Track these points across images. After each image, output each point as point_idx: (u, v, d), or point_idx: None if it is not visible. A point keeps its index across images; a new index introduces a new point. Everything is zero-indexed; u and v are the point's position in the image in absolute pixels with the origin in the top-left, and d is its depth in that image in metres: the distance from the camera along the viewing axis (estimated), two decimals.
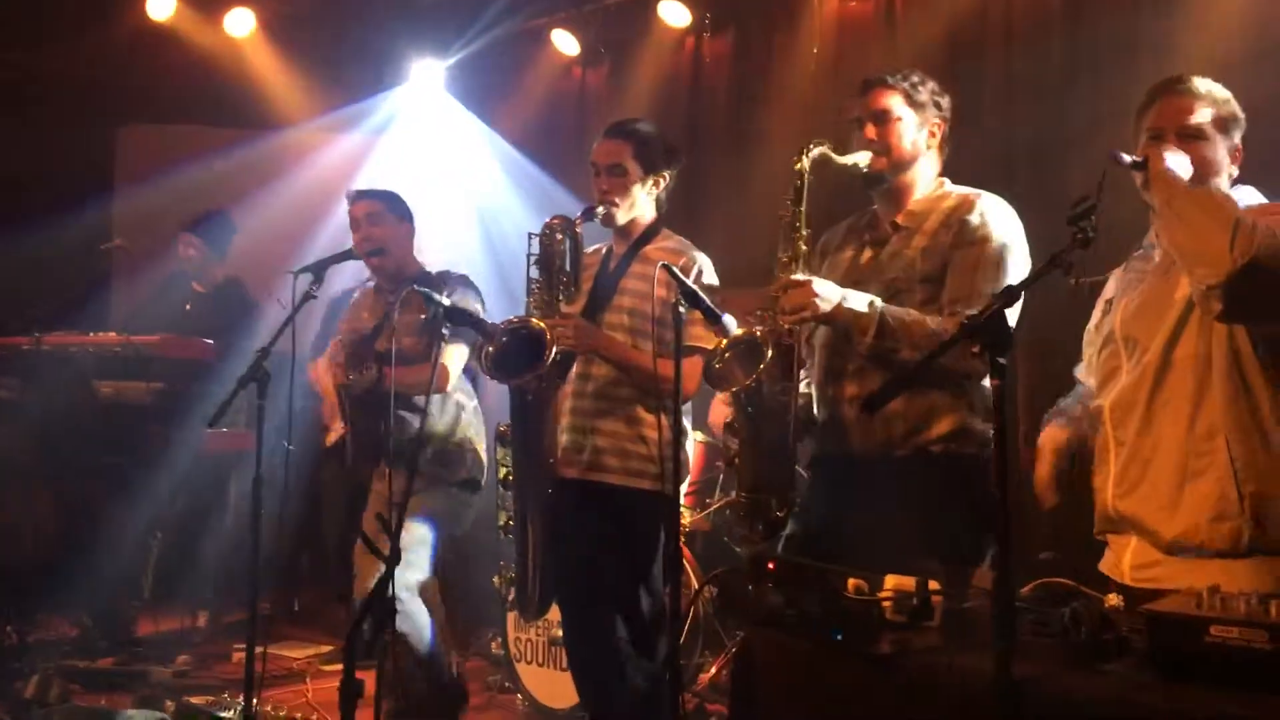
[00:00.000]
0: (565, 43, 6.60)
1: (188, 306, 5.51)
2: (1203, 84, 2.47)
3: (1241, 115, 2.50)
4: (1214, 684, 1.70)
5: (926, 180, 2.96)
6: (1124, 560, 2.44)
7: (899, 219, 2.92)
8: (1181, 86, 2.46)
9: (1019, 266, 2.79)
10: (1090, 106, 4.36)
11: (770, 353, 2.71)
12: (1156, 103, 2.48)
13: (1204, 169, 2.40)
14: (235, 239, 5.79)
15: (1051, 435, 2.61)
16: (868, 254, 2.96)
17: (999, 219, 2.82)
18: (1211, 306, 2.24)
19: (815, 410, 2.92)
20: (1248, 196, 2.48)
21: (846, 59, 5.41)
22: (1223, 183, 2.45)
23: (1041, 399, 4.52)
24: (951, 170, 4.59)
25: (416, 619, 3.86)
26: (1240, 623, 1.72)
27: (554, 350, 3.07)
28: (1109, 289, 2.66)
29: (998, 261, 2.77)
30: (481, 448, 3.99)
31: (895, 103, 2.89)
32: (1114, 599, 2.11)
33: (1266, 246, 2.13)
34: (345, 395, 3.71)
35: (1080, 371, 2.78)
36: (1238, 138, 2.49)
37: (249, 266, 5.70)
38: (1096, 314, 2.67)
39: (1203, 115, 2.44)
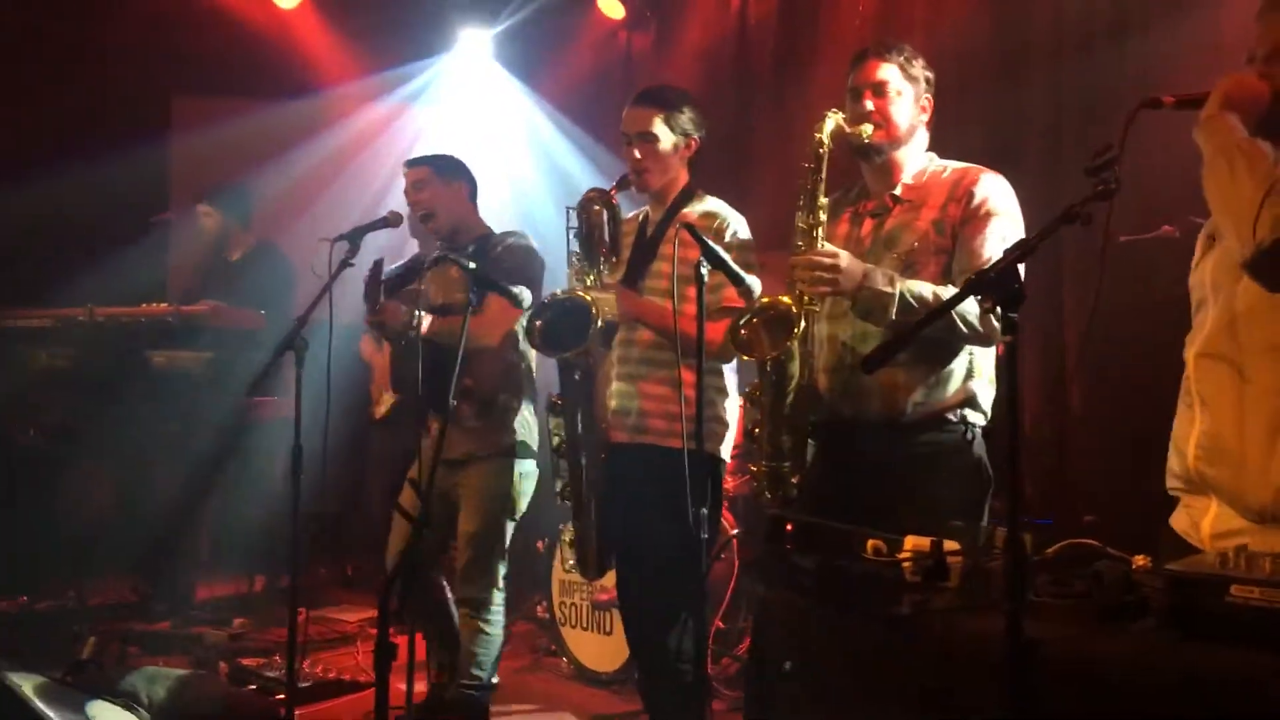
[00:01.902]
0: (611, 6, 6.56)
1: (222, 275, 5.56)
2: None
3: None
4: (1234, 644, 1.64)
5: (918, 154, 2.99)
6: (1203, 526, 2.20)
7: (899, 192, 2.94)
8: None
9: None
10: (1139, 60, 4.24)
11: (804, 324, 2.72)
12: (1260, 21, 2.21)
13: None
14: (286, 208, 5.86)
15: None
16: (867, 225, 2.97)
17: (1002, 195, 2.86)
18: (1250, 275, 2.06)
19: (825, 378, 2.91)
20: None
21: (892, 16, 5.31)
22: None
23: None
24: (997, 126, 4.51)
25: (491, 632, 3.87)
26: (1262, 582, 1.66)
27: (599, 323, 3.09)
28: (1206, 228, 2.34)
29: (1004, 236, 2.79)
30: (530, 411, 3.96)
31: (893, 75, 2.92)
32: (1141, 560, 2.06)
33: None
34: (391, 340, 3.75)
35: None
36: None
37: (298, 235, 5.75)
38: (1198, 253, 2.35)
39: None
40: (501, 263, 3.76)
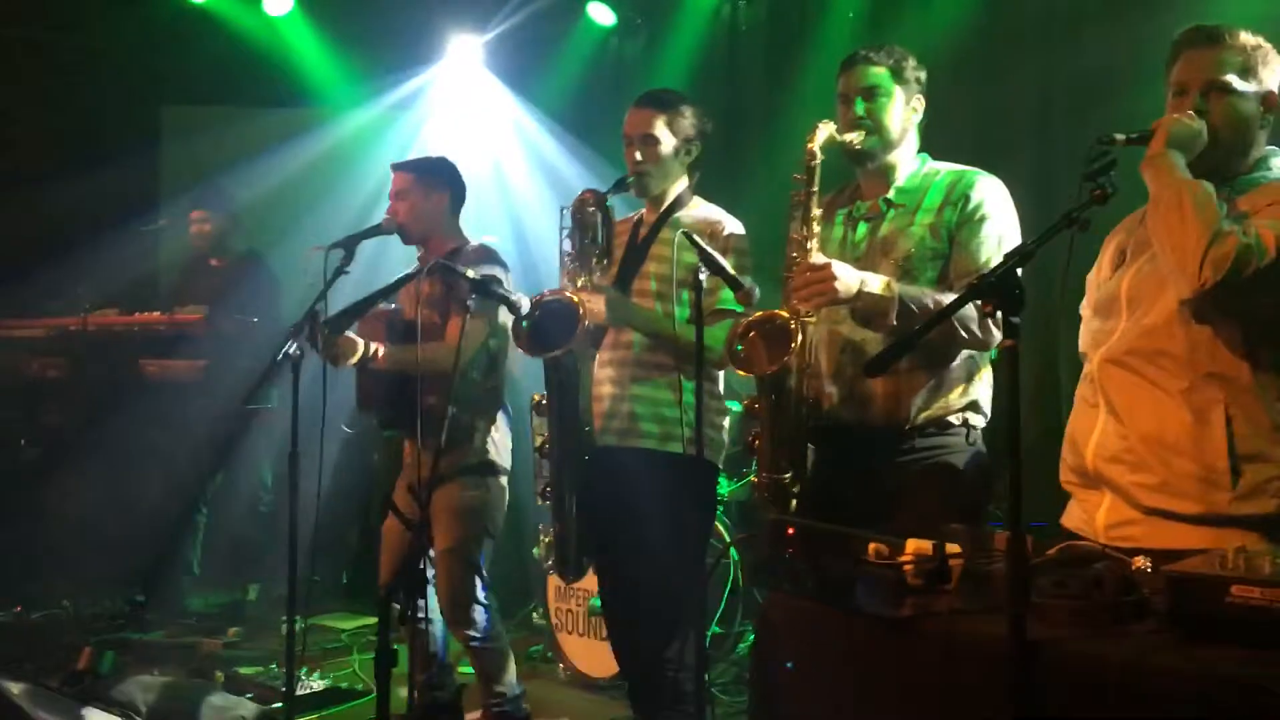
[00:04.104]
0: (602, 14, 6.57)
1: (205, 281, 5.55)
2: (1230, 31, 2.35)
3: (1275, 59, 2.36)
4: (1235, 645, 1.66)
5: (911, 156, 2.98)
6: (1098, 518, 2.37)
7: (893, 196, 2.94)
8: (1207, 36, 2.35)
9: (1016, 243, 2.81)
10: (1128, 60, 4.26)
11: (801, 337, 2.72)
12: (1181, 56, 2.37)
13: (1232, 126, 2.31)
14: (275, 217, 5.85)
15: None
16: (862, 230, 2.97)
17: (997, 198, 2.86)
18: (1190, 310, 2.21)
19: (826, 383, 2.91)
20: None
21: (882, 23, 5.33)
22: (1253, 136, 2.35)
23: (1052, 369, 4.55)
24: (988, 121, 4.50)
25: (491, 646, 3.86)
26: (1262, 583, 1.68)
27: (585, 324, 3.08)
28: (1117, 239, 2.52)
29: (1000, 238, 2.81)
30: (495, 429, 3.91)
31: (883, 78, 2.90)
32: (1140, 561, 2.07)
33: (1238, 262, 2.08)
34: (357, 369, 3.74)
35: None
36: (1272, 82, 2.35)
37: (286, 243, 5.75)
38: (1105, 265, 2.52)
39: (1231, 66, 2.32)
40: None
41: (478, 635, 3.82)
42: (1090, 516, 2.39)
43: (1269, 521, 2.19)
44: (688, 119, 3.37)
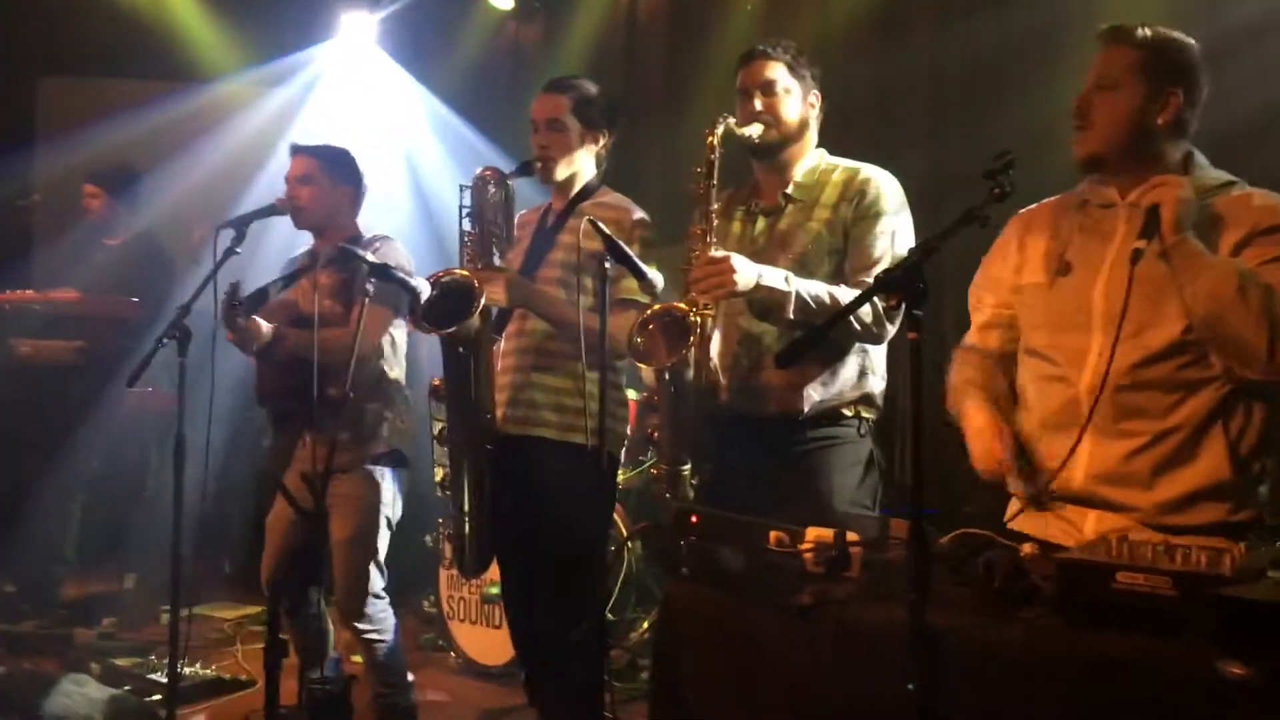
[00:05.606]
0: None
1: (98, 260, 5.34)
2: (1128, 29, 2.30)
3: (1188, 62, 2.29)
4: (1121, 629, 1.71)
5: (810, 151, 3.04)
6: (1085, 529, 2.30)
7: (791, 191, 2.99)
8: (1108, 35, 2.32)
9: (910, 239, 2.91)
10: (1023, 60, 4.39)
11: (700, 331, 2.74)
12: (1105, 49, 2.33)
13: (1111, 124, 2.27)
14: (161, 195, 5.65)
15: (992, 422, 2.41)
16: (761, 224, 3.02)
17: (892, 194, 2.94)
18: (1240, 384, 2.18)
19: (723, 376, 2.94)
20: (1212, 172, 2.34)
21: (780, 15, 5.39)
22: (1137, 133, 2.27)
23: None
24: (886, 120, 4.61)
25: (381, 638, 3.76)
26: (1146, 569, 1.75)
27: (483, 301, 3.03)
28: (1041, 242, 2.43)
29: (894, 233, 2.88)
30: (397, 417, 3.82)
31: (780, 73, 2.96)
32: (1029, 548, 2.14)
33: None
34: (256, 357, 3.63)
35: (975, 337, 2.58)
36: (1178, 88, 2.27)
37: (174, 223, 5.58)
38: (1038, 269, 2.41)
39: (1121, 62, 2.27)
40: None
41: (372, 628, 3.74)
42: (1076, 528, 2.32)
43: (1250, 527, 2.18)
44: (597, 108, 3.36)
